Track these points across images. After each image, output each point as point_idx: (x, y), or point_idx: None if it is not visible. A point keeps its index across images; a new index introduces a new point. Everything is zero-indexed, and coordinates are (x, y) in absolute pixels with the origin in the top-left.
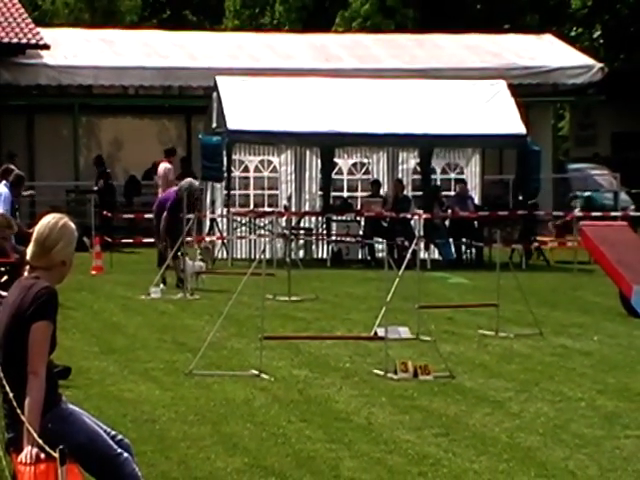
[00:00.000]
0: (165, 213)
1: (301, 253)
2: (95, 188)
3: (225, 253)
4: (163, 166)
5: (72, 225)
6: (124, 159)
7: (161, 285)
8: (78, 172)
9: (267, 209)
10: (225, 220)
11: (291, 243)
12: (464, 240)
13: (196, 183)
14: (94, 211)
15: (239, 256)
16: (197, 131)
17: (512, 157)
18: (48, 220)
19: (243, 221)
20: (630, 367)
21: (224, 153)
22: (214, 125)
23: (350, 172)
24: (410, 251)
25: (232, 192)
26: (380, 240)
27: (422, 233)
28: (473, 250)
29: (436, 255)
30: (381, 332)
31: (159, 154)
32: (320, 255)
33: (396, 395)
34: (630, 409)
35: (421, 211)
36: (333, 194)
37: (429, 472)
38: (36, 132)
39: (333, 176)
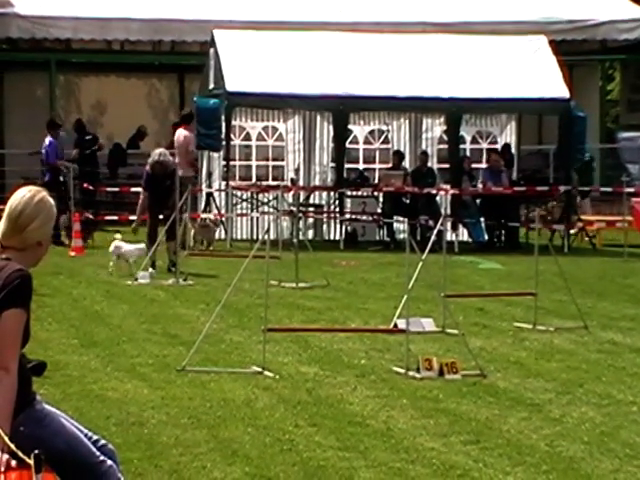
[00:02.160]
0: (141, 190)
1: (310, 233)
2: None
3: (223, 233)
4: (182, 133)
5: (50, 201)
6: (107, 124)
7: (150, 269)
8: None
9: (271, 183)
10: (223, 195)
11: (299, 222)
12: (497, 220)
13: (169, 156)
14: (73, 184)
15: (239, 236)
16: (192, 93)
17: (553, 124)
18: (23, 194)
19: (244, 196)
20: None
21: (222, 118)
22: (211, 86)
23: (367, 141)
24: (435, 232)
25: (231, 163)
26: (401, 219)
27: (449, 211)
28: (507, 231)
29: (465, 236)
30: (402, 324)
31: (147, 119)
32: (332, 236)
33: (419, 396)
34: None
35: (448, 186)
36: (347, 166)
37: None
38: (6, 92)
39: (347, 145)
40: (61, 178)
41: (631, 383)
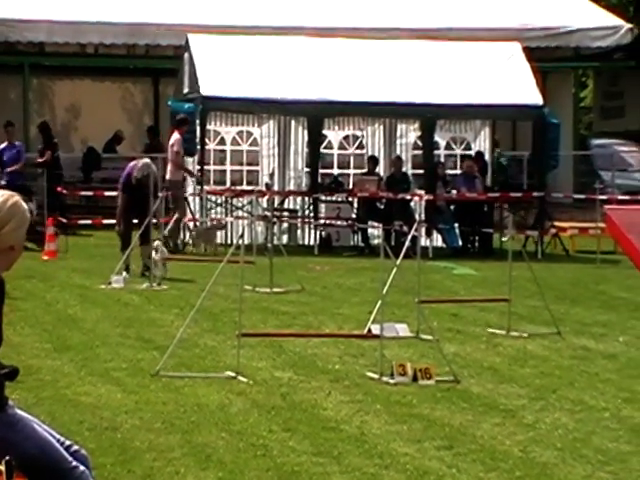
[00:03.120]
0: (120, 193)
1: (285, 238)
2: (40, 160)
3: (191, 239)
4: (174, 137)
5: (24, 205)
6: (81, 128)
7: (124, 273)
8: (28, 142)
9: (246, 187)
10: (198, 199)
11: (273, 227)
12: (471, 225)
13: (153, 167)
14: (46, 187)
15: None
16: (166, 97)
17: (527, 131)
18: None
19: (219, 201)
20: None
21: (197, 122)
22: (186, 90)
23: (341, 146)
24: (409, 237)
25: (206, 167)
26: (375, 224)
27: (423, 217)
28: (481, 237)
29: (439, 242)
30: (376, 329)
31: (122, 123)
32: (307, 241)
33: (393, 402)
34: None
35: (422, 192)
36: (322, 171)
37: None
38: None
39: (322, 150)
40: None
41: (603, 389)
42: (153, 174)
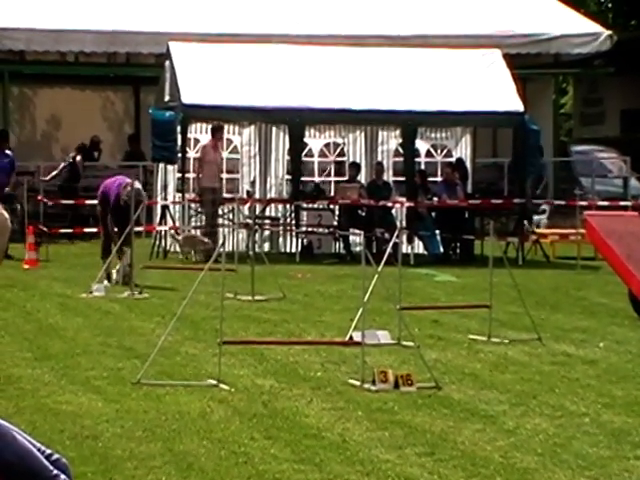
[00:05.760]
0: (108, 216)
1: (266, 246)
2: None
3: (178, 246)
4: (207, 144)
5: (5, 214)
6: (62, 137)
7: (105, 282)
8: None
9: (227, 195)
10: (179, 208)
11: (255, 234)
12: (452, 232)
13: (138, 186)
14: (27, 196)
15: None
16: (147, 105)
17: (508, 138)
18: None
19: (199, 209)
20: None
21: (178, 130)
22: (167, 98)
23: (322, 154)
24: (391, 244)
25: (187, 176)
26: (357, 232)
27: (405, 224)
28: (462, 244)
29: (420, 249)
30: (357, 337)
31: (102, 131)
32: (288, 248)
33: (374, 409)
34: None
35: (404, 199)
36: (303, 179)
37: None
38: None
39: (303, 158)
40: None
41: (584, 395)
42: (142, 196)
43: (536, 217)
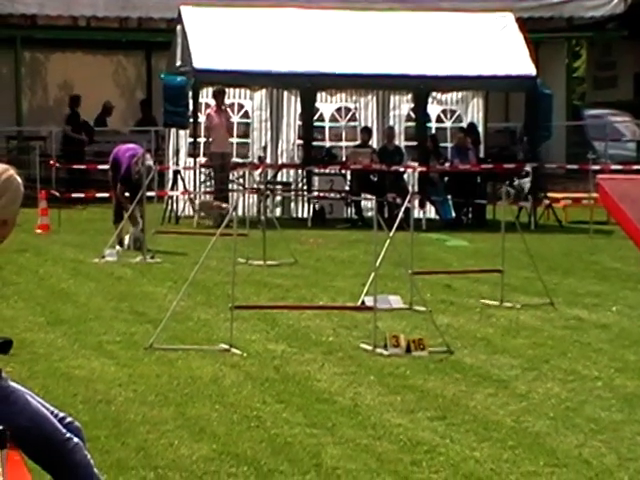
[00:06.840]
0: (118, 184)
1: (278, 211)
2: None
3: (191, 210)
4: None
5: (18, 179)
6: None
7: (117, 247)
8: (21, 117)
9: (238, 160)
10: (191, 173)
11: (266, 199)
12: (465, 197)
13: (149, 158)
14: (39, 161)
15: None
16: (158, 70)
17: (520, 102)
18: None
19: (211, 174)
20: None
21: (190, 95)
22: (178, 63)
23: (334, 118)
24: (403, 209)
25: (198, 140)
26: (369, 196)
27: (417, 189)
28: (474, 208)
29: (432, 214)
30: (369, 301)
31: (114, 96)
32: (300, 214)
33: (386, 373)
34: None
35: (415, 164)
36: (314, 144)
37: (423, 461)
38: None
39: (314, 123)
40: None
41: (596, 359)
42: (151, 168)
43: (518, 181)
